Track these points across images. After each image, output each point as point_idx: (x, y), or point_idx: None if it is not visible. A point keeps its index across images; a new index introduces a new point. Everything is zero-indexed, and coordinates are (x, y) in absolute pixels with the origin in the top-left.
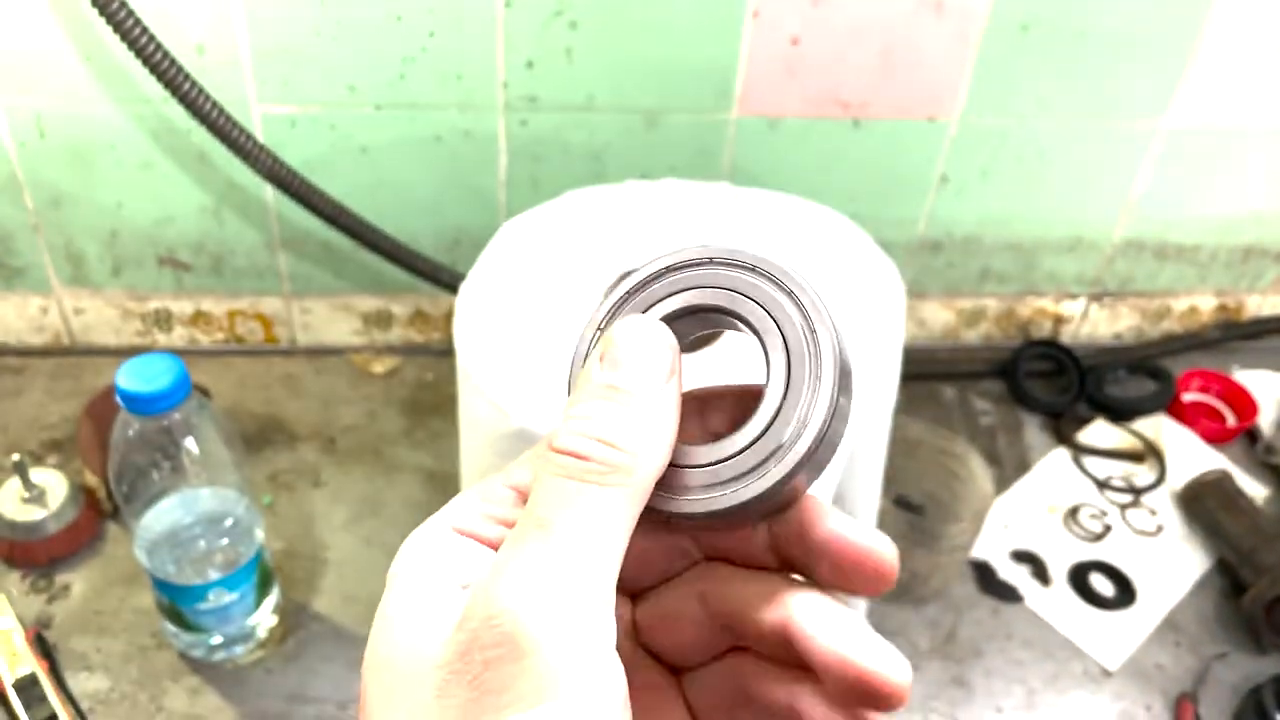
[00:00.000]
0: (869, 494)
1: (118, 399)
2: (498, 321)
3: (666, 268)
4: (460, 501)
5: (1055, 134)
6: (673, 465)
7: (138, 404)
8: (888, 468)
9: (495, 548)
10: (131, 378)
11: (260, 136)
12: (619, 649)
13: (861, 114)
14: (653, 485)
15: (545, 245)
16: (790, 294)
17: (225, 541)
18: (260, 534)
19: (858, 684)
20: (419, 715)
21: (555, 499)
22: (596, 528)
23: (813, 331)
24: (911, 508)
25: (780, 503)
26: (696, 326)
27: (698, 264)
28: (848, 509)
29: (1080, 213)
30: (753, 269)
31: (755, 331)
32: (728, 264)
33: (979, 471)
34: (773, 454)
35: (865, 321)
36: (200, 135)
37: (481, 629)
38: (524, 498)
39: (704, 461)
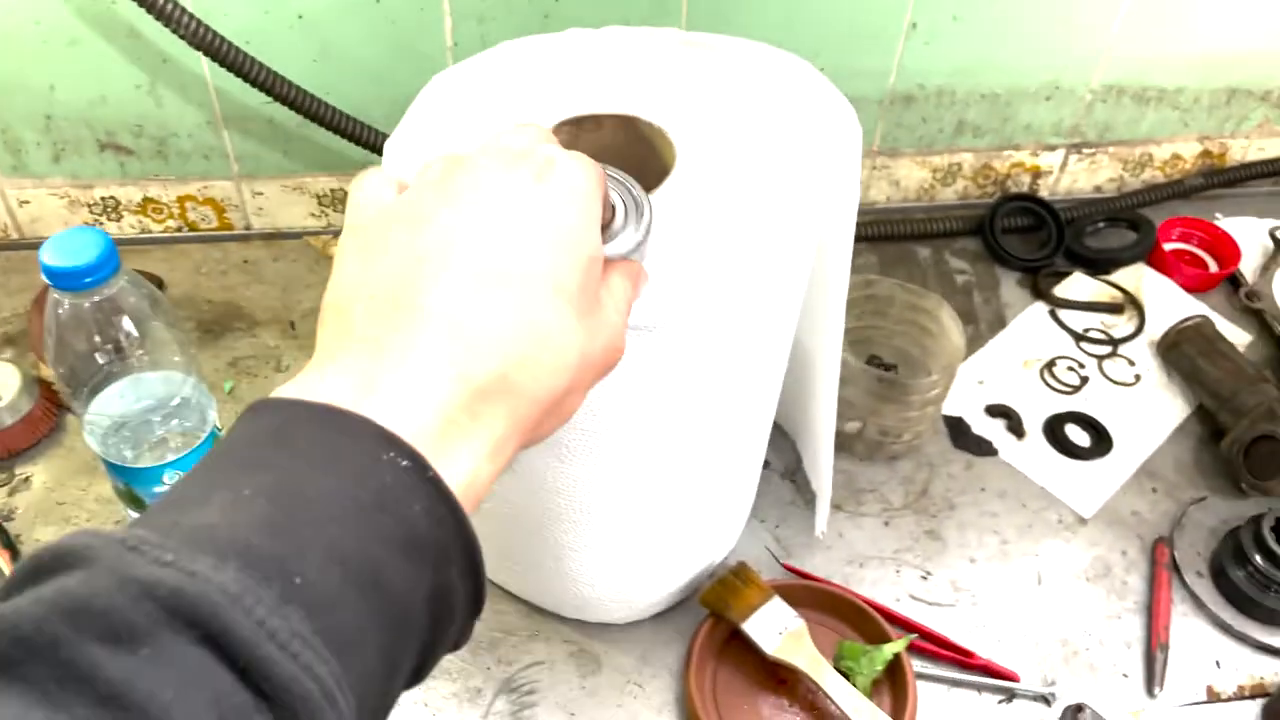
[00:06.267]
0: (830, 344)
1: (43, 276)
2: None
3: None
4: None
5: None
6: None
7: (63, 280)
8: (860, 328)
9: None
10: (55, 253)
11: (189, 5)
12: None
13: None
14: None
15: (478, 99)
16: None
17: (176, 423)
18: (214, 415)
19: None
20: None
21: None
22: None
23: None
24: (885, 367)
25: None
26: None
27: None
28: (808, 361)
29: (1056, 57)
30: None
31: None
32: None
33: (950, 325)
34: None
35: (821, 166)
36: (127, 6)
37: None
38: None
39: None
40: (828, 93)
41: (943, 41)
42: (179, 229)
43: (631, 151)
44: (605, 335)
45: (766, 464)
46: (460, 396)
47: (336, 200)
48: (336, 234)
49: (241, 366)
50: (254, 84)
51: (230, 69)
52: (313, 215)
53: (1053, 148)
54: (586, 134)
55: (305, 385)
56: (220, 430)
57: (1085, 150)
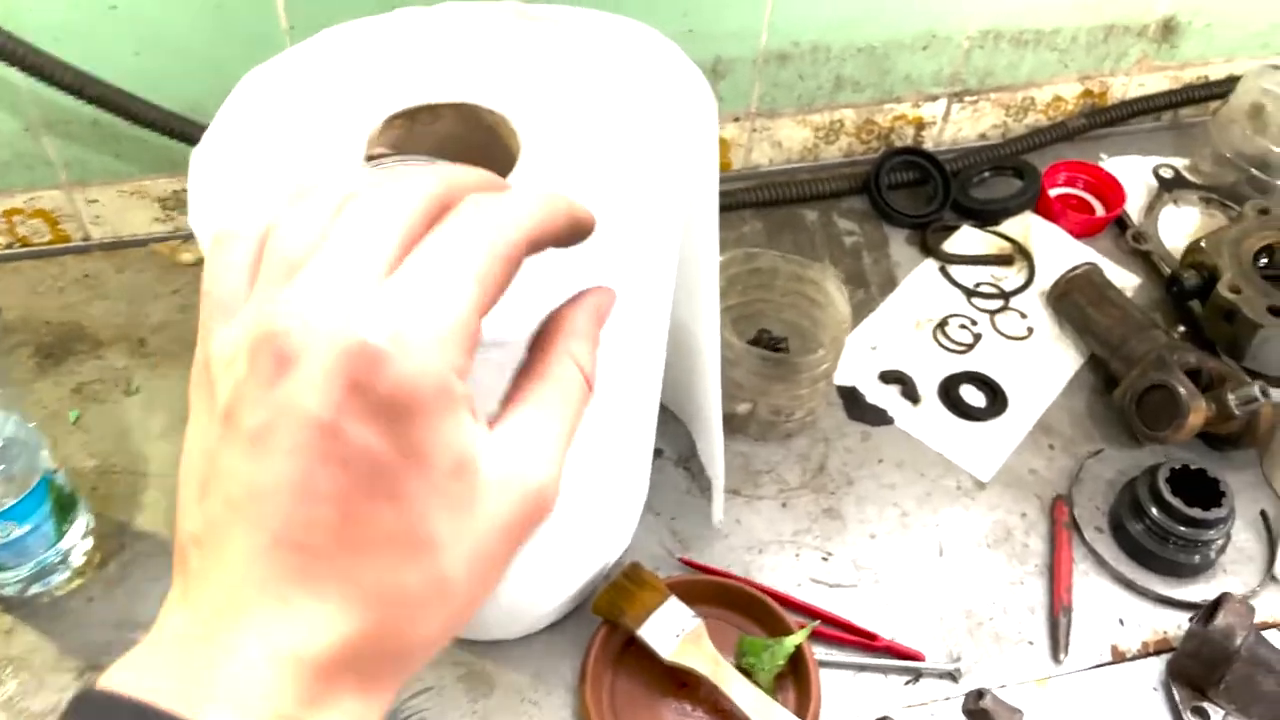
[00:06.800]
0: (709, 323)
1: None
2: (241, 186)
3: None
4: None
5: None
6: None
7: None
8: (747, 303)
9: None
10: None
11: None
12: None
13: None
14: None
15: (299, 96)
16: None
17: (3, 469)
18: (46, 456)
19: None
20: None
21: None
22: None
23: None
24: (774, 341)
25: None
26: None
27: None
28: (692, 344)
29: (931, 4)
30: None
31: None
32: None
33: (836, 295)
34: None
35: (676, 139)
36: None
37: None
38: None
39: None
40: (676, 59)
41: None
42: (9, 246)
43: (473, 142)
44: (500, 525)
45: (660, 453)
46: (295, 688)
47: (181, 202)
48: (185, 238)
49: (87, 392)
50: (61, 87)
51: (31, 73)
52: (157, 220)
53: (934, 98)
54: (422, 127)
55: (138, 667)
56: (55, 473)
57: (967, 98)
